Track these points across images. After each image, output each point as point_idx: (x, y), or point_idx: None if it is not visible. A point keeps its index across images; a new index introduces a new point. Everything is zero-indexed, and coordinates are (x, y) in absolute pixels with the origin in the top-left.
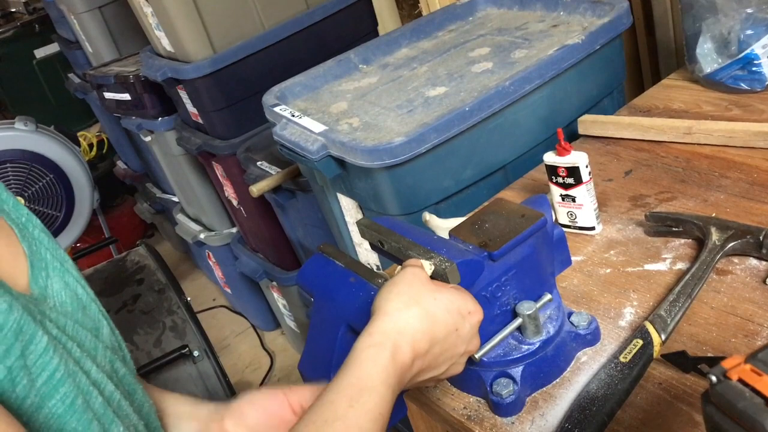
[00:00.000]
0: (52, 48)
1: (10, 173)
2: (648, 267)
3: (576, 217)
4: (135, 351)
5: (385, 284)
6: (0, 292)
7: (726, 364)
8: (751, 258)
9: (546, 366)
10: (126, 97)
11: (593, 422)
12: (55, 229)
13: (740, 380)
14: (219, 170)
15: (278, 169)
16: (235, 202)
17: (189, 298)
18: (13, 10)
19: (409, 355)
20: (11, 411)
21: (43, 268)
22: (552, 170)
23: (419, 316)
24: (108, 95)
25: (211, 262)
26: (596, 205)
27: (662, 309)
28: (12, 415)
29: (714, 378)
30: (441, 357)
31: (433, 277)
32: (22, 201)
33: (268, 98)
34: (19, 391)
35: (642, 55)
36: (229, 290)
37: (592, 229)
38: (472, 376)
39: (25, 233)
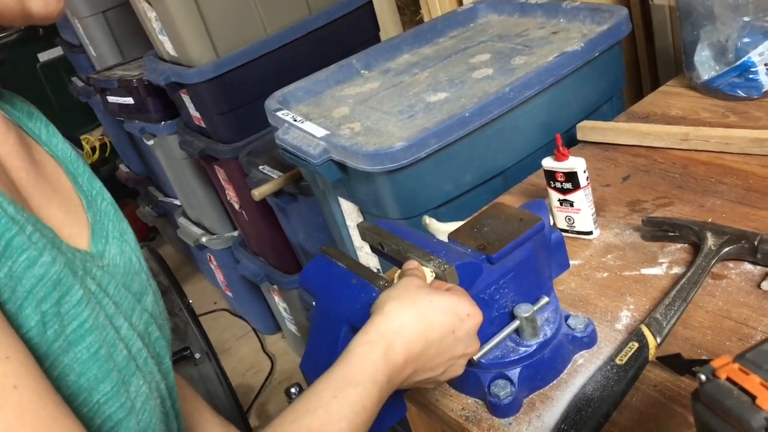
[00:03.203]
0: (56, 52)
1: None
2: (644, 271)
3: (574, 222)
4: None
5: (385, 290)
6: (48, 247)
7: (715, 363)
8: (746, 263)
9: (543, 368)
10: (129, 100)
11: (589, 423)
12: None
13: (728, 379)
14: (221, 174)
15: (280, 173)
16: (236, 206)
17: (191, 301)
18: None
19: (401, 354)
20: (40, 350)
21: (104, 236)
22: (550, 175)
23: (414, 317)
24: (111, 99)
25: (212, 266)
26: (594, 209)
27: (658, 312)
28: (41, 356)
29: (703, 377)
30: (437, 359)
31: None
32: None
33: (270, 103)
34: (50, 334)
35: (641, 62)
36: (230, 293)
37: (590, 233)
38: (470, 378)
39: (92, 204)
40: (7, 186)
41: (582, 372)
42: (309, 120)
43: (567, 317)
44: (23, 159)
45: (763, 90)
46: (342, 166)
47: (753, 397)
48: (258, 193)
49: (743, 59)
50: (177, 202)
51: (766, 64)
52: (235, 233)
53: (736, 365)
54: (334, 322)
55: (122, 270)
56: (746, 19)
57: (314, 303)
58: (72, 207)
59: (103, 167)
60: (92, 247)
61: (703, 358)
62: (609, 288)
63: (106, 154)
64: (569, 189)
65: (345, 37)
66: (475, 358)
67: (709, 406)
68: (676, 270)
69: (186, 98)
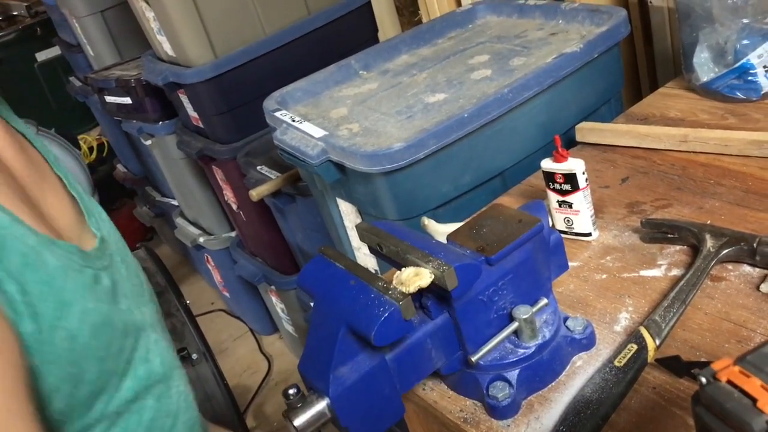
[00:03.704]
0: (54, 51)
1: None
2: (643, 273)
3: (573, 224)
4: None
5: None
6: (85, 293)
7: (716, 366)
8: (744, 265)
9: (542, 370)
10: (127, 100)
11: (588, 425)
12: None
13: (729, 382)
14: (219, 174)
15: (278, 174)
16: (234, 206)
17: (188, 301)
18: (15, 13)
19: None
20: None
21: (94, 215)
22: (549, 177)
23: None
24: (109, 99)
25: (209, 266)
26: (593, 211)
27: (657, 314)
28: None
29: (704, 379)
30: None
31: (433, 281)
32: None
33: (268, 103)
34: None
35: (640, 64)
36: (227, 294)
37: (589, 235)
38: (468, 380)
39: (70, 182)
40: (11, 187)
41: (580, 374)
42: (307, 120)
43: (566, 319)
44: (15, 149)
45: (762, 92)
46: (340, 167)
47: (754, 400)
48: (256, 193)
49: (742, 61)
50: (174, 203)
51: (765, 66)
52: (233, 234)
53: (737, 368)
54: (332, 322)
55: (121, 245)
56: (745, 21)
57: (312, 304)
58: (57, 187)
59: (101, 167)
60: (95, 232)
61: (702, 360)
62: (608, 290)
63: (104, 154)
64: (568, 190)
65: (343, 38)
66: (473, 359)
67: (710, 408)
68: (675, 272)
69: (184, 98)
